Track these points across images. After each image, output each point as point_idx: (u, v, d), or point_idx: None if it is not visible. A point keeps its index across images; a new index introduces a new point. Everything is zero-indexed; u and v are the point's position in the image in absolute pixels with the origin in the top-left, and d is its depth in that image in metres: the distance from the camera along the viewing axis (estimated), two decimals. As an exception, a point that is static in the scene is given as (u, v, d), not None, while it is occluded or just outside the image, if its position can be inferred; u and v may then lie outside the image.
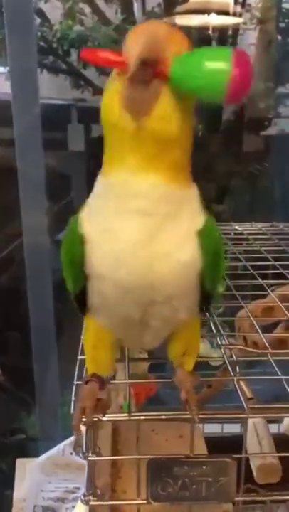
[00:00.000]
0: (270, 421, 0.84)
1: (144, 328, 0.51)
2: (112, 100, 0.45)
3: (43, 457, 0.95)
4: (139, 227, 0.46)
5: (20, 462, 0.97)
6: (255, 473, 0.71)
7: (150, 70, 0.43)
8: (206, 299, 0.52)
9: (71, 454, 0.92)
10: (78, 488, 0.88)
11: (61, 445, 0.95)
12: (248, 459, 0.73)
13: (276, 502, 0.75)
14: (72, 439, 0.92)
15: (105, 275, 0.47)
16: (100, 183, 0.49)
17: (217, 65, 0.42)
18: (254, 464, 0.71)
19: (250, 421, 0.80)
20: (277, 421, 0.89)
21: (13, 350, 2.17)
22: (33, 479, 0.92)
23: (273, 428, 0.85)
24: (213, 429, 0.90)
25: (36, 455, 0.99)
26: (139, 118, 0.44)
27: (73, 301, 0.54)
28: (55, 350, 1.68)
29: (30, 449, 1.89)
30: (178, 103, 0.44)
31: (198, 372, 0.61)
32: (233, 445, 0.55)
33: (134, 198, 0.45)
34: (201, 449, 0.62)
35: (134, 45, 0.43)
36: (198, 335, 0.57)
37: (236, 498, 0.47)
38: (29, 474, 0.93)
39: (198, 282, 0.50)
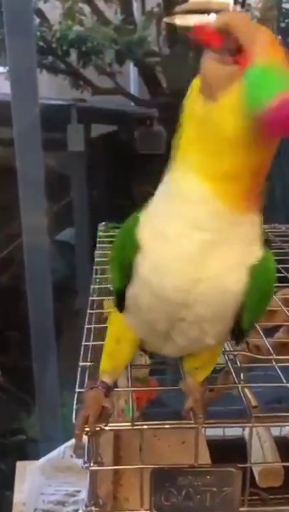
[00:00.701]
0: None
1: (168, 341, 0.50)
2: (196, 97, 0.42)
3: (43, 460, 0.95)
4: (195, 241, 0.44)
5: (20, 465, 0.97)
6: (257, 477, 0.71)
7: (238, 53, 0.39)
8: (238, 330, 0.50)
9: (71, 456, 0.91)
10: (79, 492, 0.87)
11: (61, 448, 0.95)
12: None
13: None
14: (72, 441, 0.92)
15: (148, 281, 0.46)
16: (167, 185, 0.46)
17: (265, 85, 0.38)
18: (256, 467, 0.71)
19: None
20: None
21: (12, 351, 2.17)
22: (33, 482, 0.92)
23: (275, 431, 0.85)
24: (214, 432, 0.89)
25: (36, 456, 0.99)
26: (211, 102, 0.41)
27: (114, 294, 0.54)
28: (54, 350, 1.68)
29: (30, 450, 1.89)
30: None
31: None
32: (235, 449, 0.54)
33: (198, 211, 0.43)
34: (204, 456, 0.62)
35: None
36: (217, 356, 0.56)
37: (241, 509, 0.47)
38: (29, 477, 0.93)
39: (236, 313, 0.48)
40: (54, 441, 1.02)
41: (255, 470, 0.70)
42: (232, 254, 0.45)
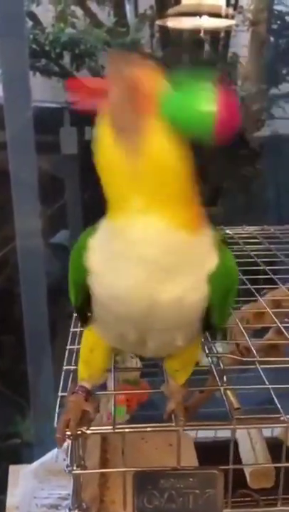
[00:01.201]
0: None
1: (142, 345, 0.51)
2: (106, 138, 0.44)
3: (36, 464, 0.94)
4: (143, 273, 0.44)
5: (13, 469, 0.96)
6: (248, 478, 0.71)
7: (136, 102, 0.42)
8: (209, 327, 0.51)
9: (64, 460, 0.91)
10: (71, 495, 0.87)
11: (54, 451, 0.95)
12: (239, 463, 0.73)
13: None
14: (65, 445, 0.92)
15: (106, 304, 0.47)
16: (105, 226, 0.48)
17: (203, 107, 0.42)
18: (247, 469, 0.71)
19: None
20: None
21: (7, 354, 2.16)
22: (26, 486, 0.91)
23: (267, 432, 0.85)
24: (206, 433, 0.90)
25: (31, 460, 0.99)
26: (134, 155, 0.43)
27: (75, 311, 0.55)
28: (49, 353, 1.67)
29: (24, 453, 1.88)
30: (170, 137, 0.43)
31: (190, 377, 0.61)
32: (226, 450, 0.54)
33: (139, 245, 0.44)
34: (191, 458, 0.62)
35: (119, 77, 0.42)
36: (197, 355, 0.56)
37: (225, 510, 0.47)
38: (22, 481, 0.92)
39: (202, 316, 0.49)
40: (49, 445, 1.02)
41: (247, 471, 0.71)
42: (185, 276, 0.46)
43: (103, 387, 0.65)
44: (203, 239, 0.47)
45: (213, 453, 0.55)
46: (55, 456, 0.94)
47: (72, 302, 0.53)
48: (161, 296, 0.45)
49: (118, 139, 0.43)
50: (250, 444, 0.74)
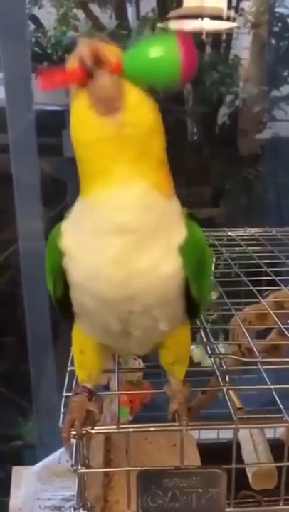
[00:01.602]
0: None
1: (128, 337, 0.51)
2: (84, 112, 0.45)
3: (38, 465, 0.95)
4: (119, 244, 0.45)
5: (16, 470, 0.96)
6: (251, 479, 0.72)
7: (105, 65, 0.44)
8: (194, 308, 0.52)
9: (67, 461, 0.91)
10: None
11: (57, 453, 0.95)
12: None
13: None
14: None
15: (84, 286, 0.48)
16: (78, 206, 0.49)
17: (166, 53, 0.44)
18: (250, 469, 0.71)
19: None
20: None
21: (9, 356, 2.17)
22: (29, 488, 0.92)
23: (269, 433, 0.85)
24: (209, 435, 0.90)
25: (33, 462, 0.99)
26: (114, 115, 0.44)
27: (56, 307, 0.55)
28: (51, 355, 1.67)
29: (27, 455, 1.88)
30: (142, 92, 0.46)
31: (192, 378, 0.61)
32: (229, 451, 0.55)
33: (119, 213, 0.45)
34: (194, 457, 0.62)
35: (83, 50, 0.44)
36: (188, 344, 0.57)
37: (227, 509, 0.47)
38: (25, 483, 0.93)
39: (182, 292, 0.49)
40: (51, 447, 1.02)
41: (249, 472, 0.71)
42: (158, 244, 0.47)
43: (106, 388, 0.65)
44: (174, 205, 0.49)
45: (216, 454, 0.56)
46: (58, 458, 0.94)
47: (51, 295, 0.53)
48: (136, 267, 0.46)
49: (96, 108, 0.44)
50: (253, 445, 0.74)
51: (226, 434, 0.86)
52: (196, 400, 0.72)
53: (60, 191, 2.38)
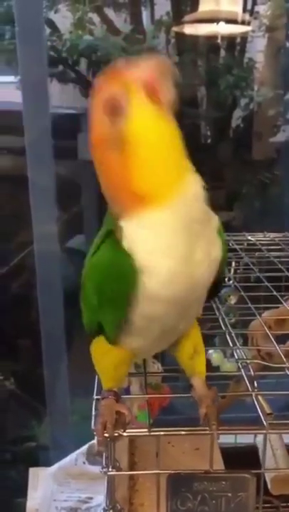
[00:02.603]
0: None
1: (171, 334, 0.52)
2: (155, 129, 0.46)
3: (55, 467, 0.95)
4: (187, 241, 0.47)
5: (33, 471, 0.97)
6: (269, 484, 0.71)
7: None
8: (214, 290, 0.54)
9: (84, 463, 0.92)
10: (91, 498, 0.88)
11: (73, 454, 0.95)
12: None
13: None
14: (85, 448, 0.93)
15: (158, 295, 0.48)
16: (135, 222, 0.48)
17: None
18: (268, 475, 0.71)
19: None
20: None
21: (23, 358, 2.18)
22: (46, 489, 0.92)
23: (287, 439, 0.84)
24: (226, 439, 0.90)
25: (47, 463, 1.00)
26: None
27: (108, 334, 0.53)
28: (65, 357, 1.68)
29: (41, 457, 1.89)
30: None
31: (211, 382, 0.61)
32: (247, 456, 0.55)
33: (192, 213, 0.47)
34: (218, 462, 0.62)
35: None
36: (198, 331, 0.58)
37: (256, 514, 0.47)
38: (42, 484, 0.93)
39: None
40: (65, 449, 1.02)
41: (268, 477, 0.70)
42: (209, 231, 0.50)
43: (127, 391, 0.66)
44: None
45: (235, 459, 0.56)
46: (74, 460, 0.95)
47: (110, 326, 0.51)
48: (196, 257, 0.48)
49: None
50: (271, 450, 0.74)
51: (244, 438, 0.86)
52: (218, 404, 0.72)
53: (75, 194, 2.40)
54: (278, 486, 0.69)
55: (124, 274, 0.47)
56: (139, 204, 0.47)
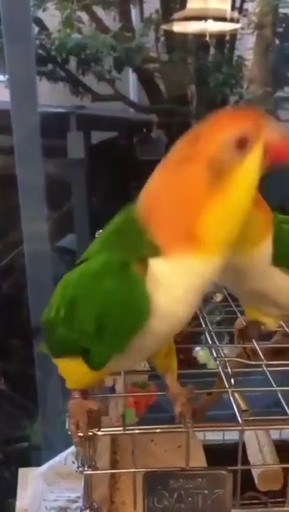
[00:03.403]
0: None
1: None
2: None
3: (45, 466, 0.95)
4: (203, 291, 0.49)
5: (22, 472, 0.97)
6: (256, 481, 0.72)
7: None
8: None
9: (73, 463, 0.92)
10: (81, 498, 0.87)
11: (63, 454, 0.95)
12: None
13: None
14: (74, 448, 0.92)
15: (165, 332, 0.49)
16: (174, 262, 0.45)
17: None
18: (255, 471, 0.71)
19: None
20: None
21: (15, 358, 2.17)
22: (36, 489, 0.92)
23: (275, 434, 0.85)
24: (214, 436, 0.90)
25: (39, 463, 0.99)
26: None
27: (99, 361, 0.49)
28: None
29: (33, 457, 1.89)
30: None
31: (198, 380, 0.61)
32: (234, 453, 0.55)
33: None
34: (200, 459, 0.62)
35: None
36: None
37: (233, 510, 0.47)
38: (31, 484, 0.93)
39: None
40: (57, 448, 1.02)
41: (255, 473, 0.71)
42: None
43: (112, 390, 0.66)
44: None
45: (222, 455, 0.56)
46: (63, 459, 0.94)
47: (94, 358, 0.48)
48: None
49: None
50: (258, 446, 0.74)
51: (231, 435, 0.86)
52: (201, 402, 0.72)
53: (65, 193, 2.39)
54: (265, 482, 0.70)
55: (138, 314, 0.45)
56: (186, 246, 0.45)
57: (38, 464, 0.98)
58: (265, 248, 0.56)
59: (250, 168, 0.44)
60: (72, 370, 0.53)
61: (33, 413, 1.89)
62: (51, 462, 0.95)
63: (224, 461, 0.53)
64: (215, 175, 0.42)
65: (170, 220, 0.44)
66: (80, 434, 0.48)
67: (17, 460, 1.81)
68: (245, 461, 0.75)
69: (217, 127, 0.44)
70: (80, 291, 0.48)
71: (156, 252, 0.45)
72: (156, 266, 0.45)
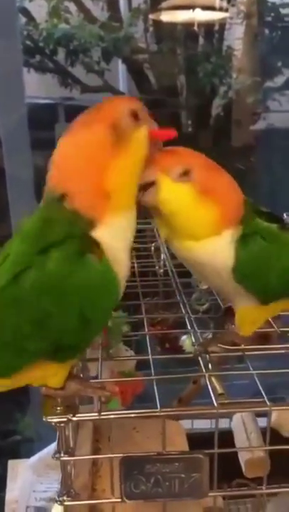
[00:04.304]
0: (259, 414, 0.84)
1: None
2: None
3: (34, 458, 0.95)
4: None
5: (12, 464, 0.97)
6: (243, 468, 0.72)
7: None
8: None
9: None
10: (70, 488, 0.88)
11: (52, 445, 0.95)
12: (236, 453, 0.74)
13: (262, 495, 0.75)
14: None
15: (123, 284, 0.50)
16: (110, 225, 0.50)
17: None
18: (242, 458, 0.72)
19: (238, 415, 0.80)
20: (266, 414, 0.89)
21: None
22: (25, 480, 0.92)
23: (262, 422, 0.85)
24: (203, 425, 0.90)
25: (31, 456, 0.99)
26: None
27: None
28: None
29: (25, 450, 1.89)
30: None
31: (183, 369, 0.61)
32: (222, 440, 0.55)
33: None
34: (182, 444, 0.62)
35: None
36: None
37: (210, 494, 0.47)
38: (21, 475, 0.93)
39: None
40: (48, 440, 1.02)
41: (242, 461, 0.71)
42: None
43: (96, 379, 0.65)
44: None
45: (210, 443, 0.56)
46: (53, 451, 0.94)
47: (75, 350, 0.49)
48: None
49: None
50: (246, 433, 0.75)
51: (220, 423, 0.86)
52: (187, 391, 0.72)
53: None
54: (252, 468, 0.70)
55: (115, 292, 0.48)
56: (103, 205, 0.48)
57: (30, 457, 0.98)
58: (210, 246, 0.55)
59: (142, 135, 0.51)
60: (42, 374, 0.52)
61: (24, 406, 1.88)
62: (41, 453, 0.95)
63: (211, 449, 0.53)
64: (116, 136, 0.49)
65: (84, 184, 0.49)
66: (55, 420, 0.48)
67: (9, 453, 1.81)
68: (233, 448, 0.76)
69: (116, 101, 0.52)
70: (48, 298, 0.46)
71: (90, 224, 0.48)
72: (100, 237, 0.48)
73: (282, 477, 0.65)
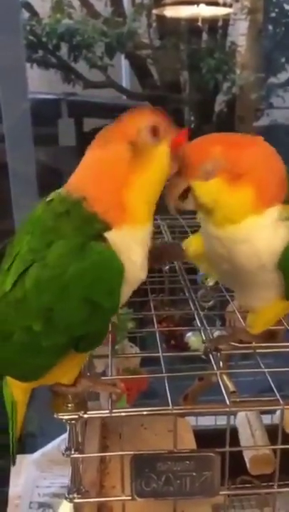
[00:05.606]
0: (263, 412, 0.84)
1: None
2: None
3: (38, 453, 0.95)
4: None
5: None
6: (248, 465, 0.72)
7: None
8: None
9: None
10: (74, 484, 0.88)
11: (56, 441, 0.95)
12: (240, 451, 0.74)
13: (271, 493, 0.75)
14: (67, 434, 0.93)
15: (135, 284, 0.52)
16: (126, 231, 0.51)
17: None
18: (247, 455, 0.72)
19: (242, 413, 0.80)
20: (270, 412, 0.89)
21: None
22: (29, 475, 0.92)
23: (267, 419, 0.85)
24: (206, 421, 0.90)
25: (35, 451, 0.99)
26: None
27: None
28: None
29: (29, 444, 1.89)
30: None
31: (190, 365, 0.61)
32: (225, 438, 0.55)
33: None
34: (190, 442, 0.62)
35: None
36: None
37: (221, 492, 0.47)
38: (24, 470, 0.93)
39: None
40: (52, 435, 1.02)
41: (247, 458, 0.71)
42: None
43: (103, 375, 0.65)
44: None
45: (214, 440, 0.56)
46: (57, 446, 0.95)
47: (95, 337, 0.50)
48: None
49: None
50: (250, 431, 0.75)
51: (223, 420, 0.86)
52: (193, 387, 0.72)
53: (56, 181, 2.38)
54: (257, 466, 0.70)
55: (115, 266, 0.49)
56: (122, 216, 0.50)
57: (33, 451, 0.99)
58: (251, 225, 0.55)
59: (162, 152, 0.51)
60: (63, 370, 0.53)
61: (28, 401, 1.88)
62: (44, 449, 0.96)
63: (216, 446, 0.53)
64: (135, 153, 0.50)
65: (103, 194, 0.50)
66: (66, 417, 0.48)
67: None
68: (238, 445, 0.76)
69: (137, 116, 0.52)
70: (53, 293, 0.47)
71: (107, 226, 0.49)
72: (115, 238, 0.49)
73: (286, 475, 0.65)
